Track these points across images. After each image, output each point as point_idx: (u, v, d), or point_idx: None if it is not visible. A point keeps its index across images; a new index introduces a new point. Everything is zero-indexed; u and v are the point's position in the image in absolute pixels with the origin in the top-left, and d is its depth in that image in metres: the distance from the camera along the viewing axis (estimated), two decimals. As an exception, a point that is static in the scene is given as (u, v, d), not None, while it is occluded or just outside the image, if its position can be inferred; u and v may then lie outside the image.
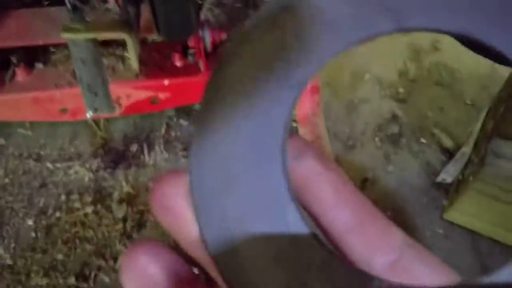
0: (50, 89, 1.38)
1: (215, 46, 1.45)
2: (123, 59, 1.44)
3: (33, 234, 1.34)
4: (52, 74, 1.41)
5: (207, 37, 1.37)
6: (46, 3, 1.50)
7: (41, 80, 1.40)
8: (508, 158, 1.13)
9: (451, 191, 1.40)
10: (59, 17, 1.35)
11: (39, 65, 1.43)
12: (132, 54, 1.11)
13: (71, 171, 1.45)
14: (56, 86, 1.38)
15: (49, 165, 1.47)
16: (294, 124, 1.56)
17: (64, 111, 1.42)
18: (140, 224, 1.37)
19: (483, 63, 1.70)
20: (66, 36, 1.01)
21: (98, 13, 1.08)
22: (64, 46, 1.46)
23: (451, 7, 0.25)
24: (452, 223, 1.37)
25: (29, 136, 1.54)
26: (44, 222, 1.36)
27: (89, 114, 1.13)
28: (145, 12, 1.18)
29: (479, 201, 1.22)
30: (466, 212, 1.30)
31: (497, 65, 1.70)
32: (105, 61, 1.43)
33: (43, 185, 1.43)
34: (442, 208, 1.40)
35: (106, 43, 1.46)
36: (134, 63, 1.13)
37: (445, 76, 1.72)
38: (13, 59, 1.39)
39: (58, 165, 1.47)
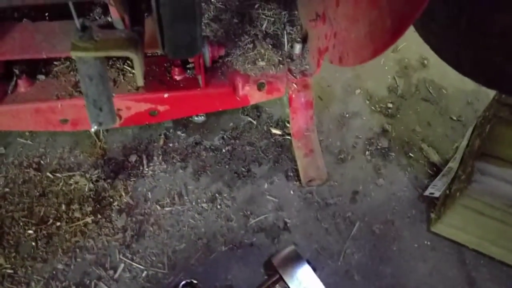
0: (51, 100, 1.41)
1: (214, 61, 1.50)
2: (123, 72, 1.48)
3: (33, 244, 1.37)
4: (53, 85, 1.44)
5: (207, 52, 1.41)
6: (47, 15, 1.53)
7: (43, 91, 1.43)
8: (494, 176, 1.19)
9: (438, 205, 1.46)
10: (62, 31, 1.39)
11: (41, 77, 1.46)
12: (138, 71, 1.14)
13: (71, 181, 1.48)
14: (57, 97, 1.41)
15: (49, 174, 1.50)
16: (288, 137, 1.62)
17: (64, 121, 1.45)
18: (139, 234, 1.40)
19: (468, 81, 1.76)
20: (75, 54, 1.04)
21: (106, 32, 1.11)
22: (65, 58, 1.49)
23: None
24: (439, 235, 1.44)
25: (29, 145, 1.57)
26: (44, 232, 1.39)
27: (93, 128, 1.16)
28: (147, 27, 1.22)
29: (465, 215, 1.29)
30: (453, 225, 1.36)
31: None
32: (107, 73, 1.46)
33: (43, 194, 1.46)
34: (429, 220, 1.47)
35: (107, 57, 1.49)
36: (139, 80, 1.16)
37: (432, 92, 1.80)
38: (16, 70, 1.41)
39: (58, 174, 1.50)
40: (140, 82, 1.18)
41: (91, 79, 1.10)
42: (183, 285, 1.30)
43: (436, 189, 1.48)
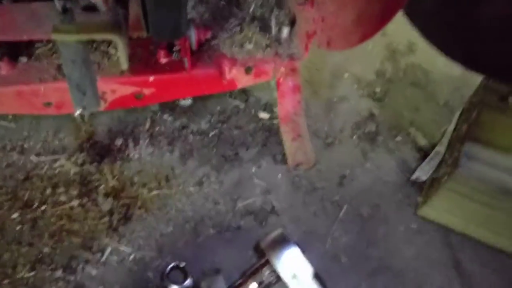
0: (34, 83, 1.38)
1: (200, 44, 1.48)
2: (108, 55, 1.46)
3: (18, 227, 1.35)
4: (36, 68, 1.41)
5: (193, 35, 1.39)
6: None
7: (25, 74, 1.40)
8: (481, 161, 1.20)
9: (425, 189, 1.48)
10: (44, 12, 1.35)
11: (23, 59, 1.42)
12: (121, 55, 1.13)
13: (56, 165, 1.46)
14: (40, 80, 1.38)
15: (33, 158, 1.48)
16: (276, 121, 1.61)
17: (48, 104, 1.42)
18: (126, 218, 1.39)
19: (456, 66, 1.77)
20: (56, 37, 1.02)
21: (88, 14, 1.08)
22: (48, 40, 1.46)
23: None
24: (425, 219, 1.45)
25: (12, 129, 1.54)
26: (29, 215, 1.37)
27: (77, 112, 1.15)
28: (132, 10, 1.20)
29: (452, 199, 1.30)
30: (439, 208, 1.37)
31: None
32: (90, 56, 1.44)
33: (28, 178, 1.44)
34: (416, 204, 1.48)
35: (90, 40, 1.47)
36: (123, 63, 1.15)
37: (420, 77, 1.80)
38: (-3, 53, 1.38)
39: (43, 158, 1.48)
40: (124, 65, 1.16)
41: (74, 62, 1.08)
42: (170, 268, 1.30)
43: (423, 173, 1.48)
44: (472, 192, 1.23)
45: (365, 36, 1.11)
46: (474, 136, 1.24)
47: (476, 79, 1.51)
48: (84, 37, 1.03)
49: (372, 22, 1.07)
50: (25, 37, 1.32)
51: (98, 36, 1.06)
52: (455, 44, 1.07)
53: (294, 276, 1.20)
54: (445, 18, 1.03)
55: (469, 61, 1.07)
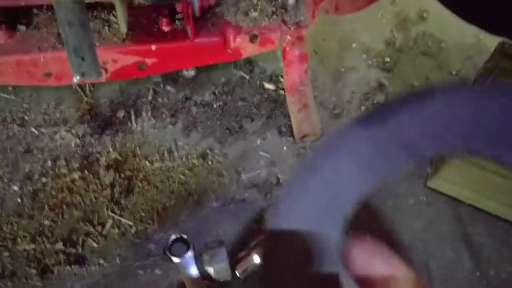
0: (33, 52, 1.34)
1: (203, 11, 1.43)
2: (109, 23, 1.41)
3: (19, 200, 1.33)
4: (35, 37, 1.37)
5: (196, 1, 1.34)
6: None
7: (24, 43, 1.36)
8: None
9: (435, 159, 1.43)
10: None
11: (22, 27, 1.39)
12: (120, 18, 1.09)
13: (57, 137, 1.44)
14: (39, 49, 1.35)
15: (33, 130, 1.45)
16: (282, 92, 1.56)
17: (48, 75, 1.39)
18: (128, 190, 1.37)
19: (468, 34, 1.71)
20: (53, -2, 0.97)
21: (86, -26, 1.04)
22: (47, 7, 1.42)
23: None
24: (435, 191, 1.41)
25: (12, 100, 1.51)
26: (30, 188, 1.35)
27: (75, 79, 1.11)
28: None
29: (463, 169, 1.25)
30: (450, 180, 1.33)
31: (481, 36, 1.71)
32: (89, 20, 1.39)
33: (28, 150, 1.42)
34: (426, 176, 1.43)
35: (91, 6, 1.42)
36: (122, 27, 1.10)
37: (432, 46, 1.73)
38: (-6, 21, 1.35)
39: (43, 130, 1.45)
40: (124, 29, 1.12)
41: (71, 25, 1.04)
42: (172, 240, 1.27)
43: (433, 144, 1.43)
44: (485, 161, 1.19)
45: (373, -3, 1.06)
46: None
47: (490, 46, 1.45)
48: (81, -3, 0.98)
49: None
50: (22, 3, 1.28)
51: (95, -3, 1.02)
52: (473, 4, 1.02)
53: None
54: None
55: (488, 23, 1.01)
